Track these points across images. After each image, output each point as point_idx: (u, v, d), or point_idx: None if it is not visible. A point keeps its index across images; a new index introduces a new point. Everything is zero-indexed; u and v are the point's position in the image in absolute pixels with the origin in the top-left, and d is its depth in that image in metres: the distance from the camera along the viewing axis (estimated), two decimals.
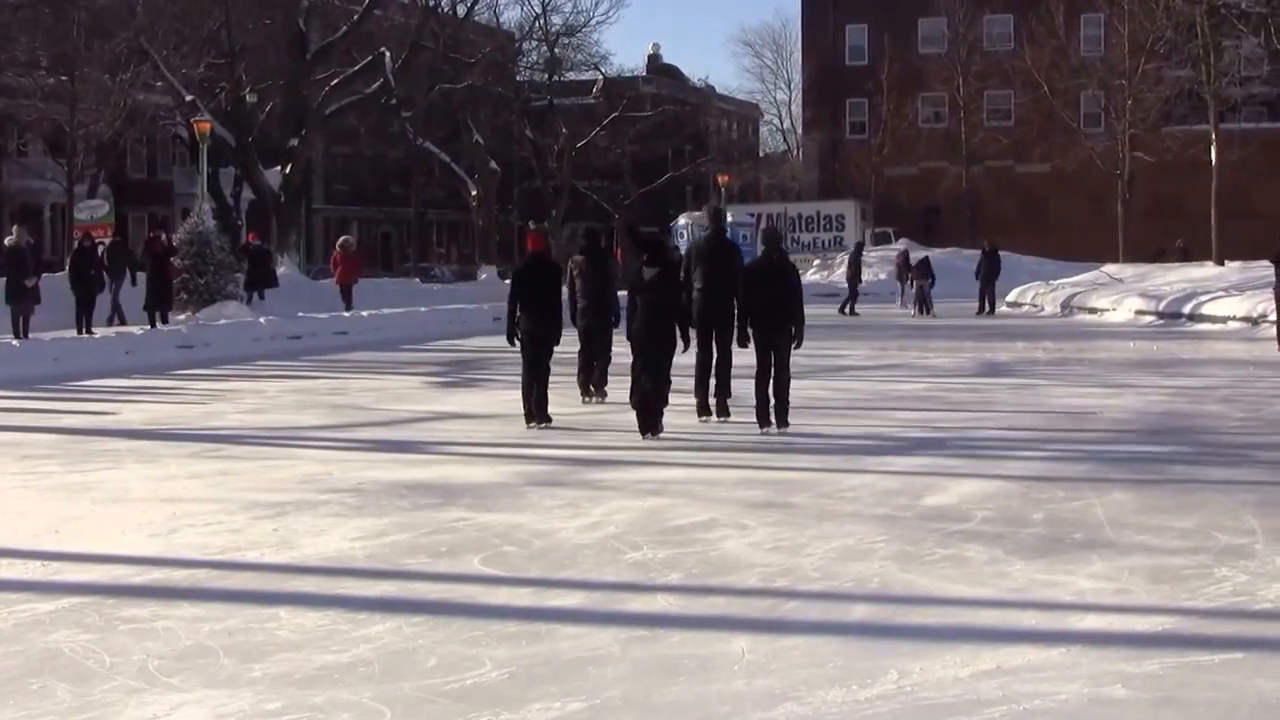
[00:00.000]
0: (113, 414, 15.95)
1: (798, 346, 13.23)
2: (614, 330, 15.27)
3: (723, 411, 13.95)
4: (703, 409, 13.96)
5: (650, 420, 12.81)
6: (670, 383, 12.97)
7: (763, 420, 13.08)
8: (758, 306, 13.04)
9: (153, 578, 7.57)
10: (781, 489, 10.02)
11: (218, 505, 9.61)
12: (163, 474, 11.10)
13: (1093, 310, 35.57)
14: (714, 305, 13.71)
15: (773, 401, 13.06)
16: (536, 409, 13.70)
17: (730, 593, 7.14)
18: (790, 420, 13.07)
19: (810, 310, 14.90)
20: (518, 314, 13.66)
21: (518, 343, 13.79)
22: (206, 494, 10.11)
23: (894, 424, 13.85)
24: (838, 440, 12.69)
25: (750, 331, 13.11)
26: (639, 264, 13.36)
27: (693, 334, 13.53)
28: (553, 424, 13.62)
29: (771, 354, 13.02)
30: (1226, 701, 5.35)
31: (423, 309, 33.46)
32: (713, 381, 13.97)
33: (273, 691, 5.56)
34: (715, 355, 13.84)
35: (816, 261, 56.46)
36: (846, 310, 36.76)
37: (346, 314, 30.48)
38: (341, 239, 37.12)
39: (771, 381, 13.04)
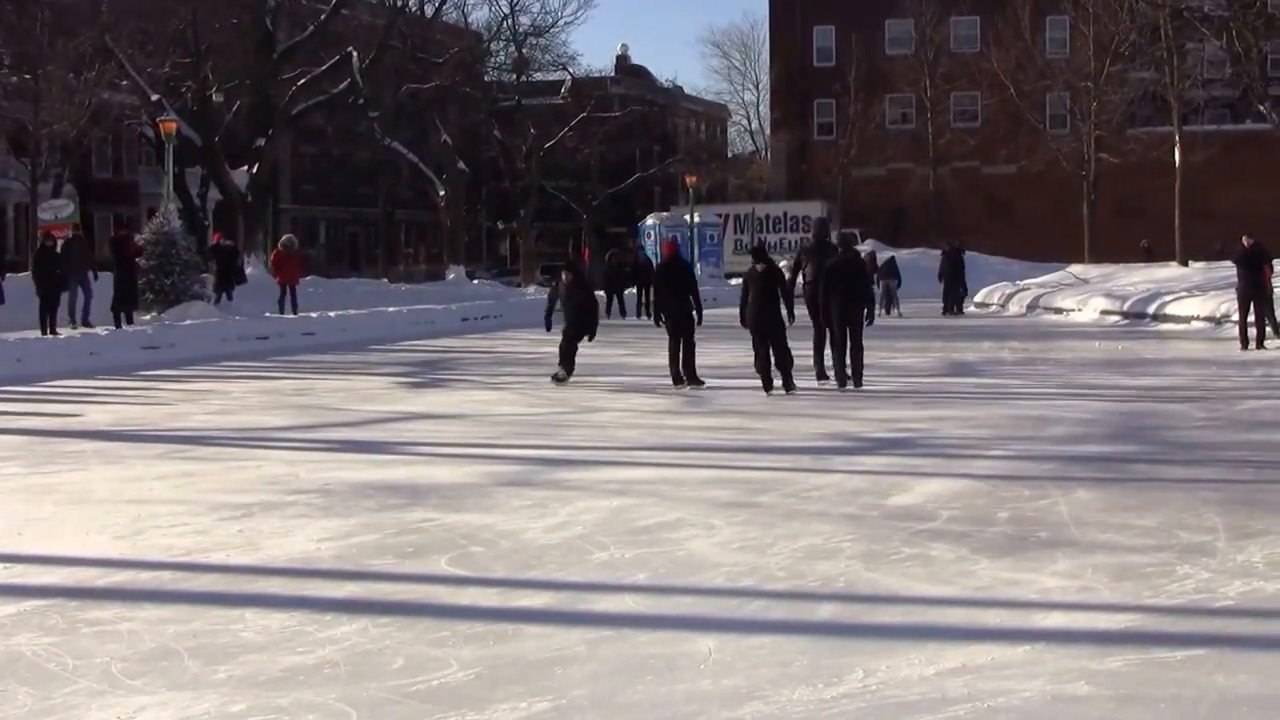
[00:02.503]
0: (77, 415, 15.86)
1: (870, 324, 16.86)
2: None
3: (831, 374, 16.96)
4: (821, 375, 17.14)
5: (784, 379, 16.18)
6: (791, 351, 16.24)
7: (840, 380, 16.58)
8: (838, 293, 16.43)
9: (117, 579, 7.53)
10: (748, 488, 10.04)
11: (183, 507, 9.57)
12: (127, 475, 11.05)
13: (1059, 310, 35.76)
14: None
15: (849, 366, 16.57)
16: (685, 373, 16.93)
17: (697, 592, 7.16)
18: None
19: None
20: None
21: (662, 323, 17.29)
22: (172, 495, 10.06)
23: (861, 423, 13.90)
24: (804, 440, 12.72)
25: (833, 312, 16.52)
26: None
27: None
28: (704, 385, 16.93)
29: (848, 329, 16.47)
30: (1188, 698, 5.39)
31: (390, 309, 33.36)
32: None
33: (238, 693, 5.53)
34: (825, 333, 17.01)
35: (784, 262, 56.48)
36: (955, 309, 36.86)
37: (291, 315, 30.20)
38: (283, 238, 36.59)
39: (849, 350, 16.51)
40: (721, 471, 10.98)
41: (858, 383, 16.59)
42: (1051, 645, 6.08)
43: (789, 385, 16.16)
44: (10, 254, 45.18)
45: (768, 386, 16.19)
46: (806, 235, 61.10)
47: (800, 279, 17.76)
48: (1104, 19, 48.85)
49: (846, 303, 16.45)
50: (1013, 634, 6.27)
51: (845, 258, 16.95)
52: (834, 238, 19.49)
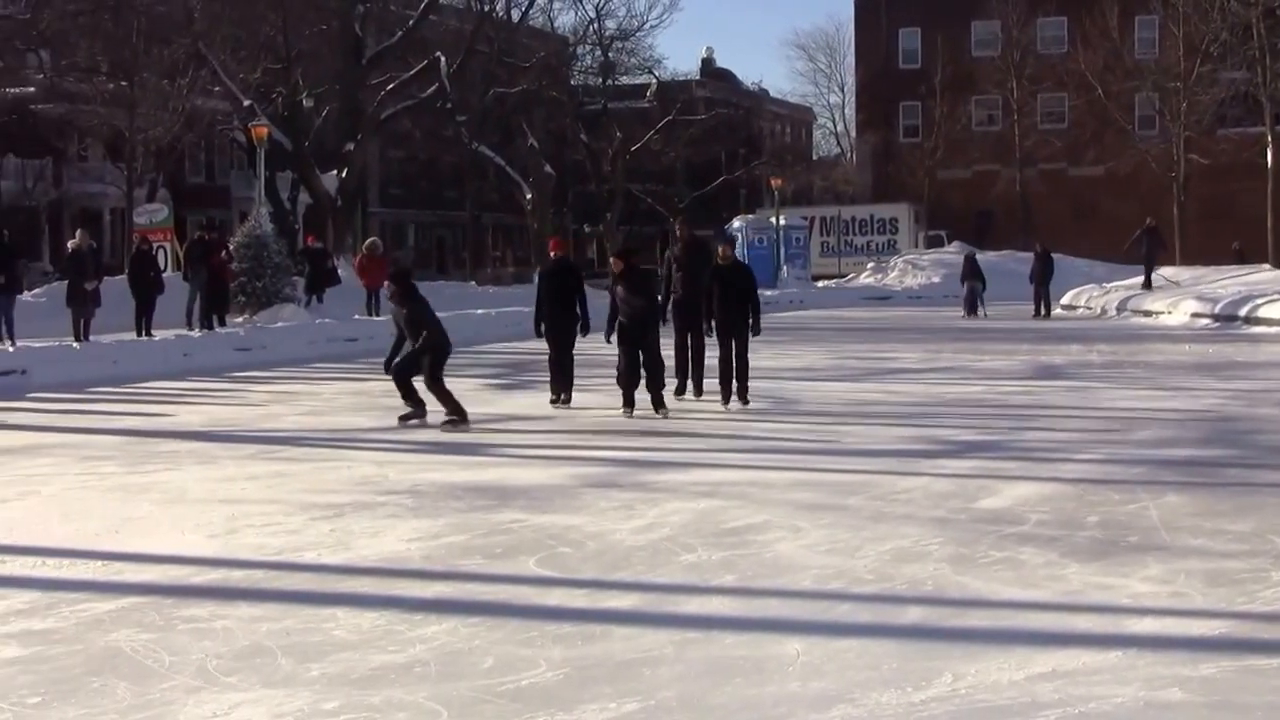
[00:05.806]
0: (171, 416, 16.12)
1: (756, 334, 15.42)
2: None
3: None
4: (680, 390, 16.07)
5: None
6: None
7: (725, 397, 15.27)
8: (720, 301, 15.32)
9: (211, 578, 7.66)
10: (835, 491, 10.01)
11: (275, 506, 9.71)
12: (221, 475, 11.22)
13: (1147, 313, 35.26)
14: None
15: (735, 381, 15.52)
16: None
17: (784, 594, 7.15)
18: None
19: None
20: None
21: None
22: (264, 495, 10.22)
23: (948, 426, 13.80)
24: (891, 442, 12.65)
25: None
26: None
27: None
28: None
29: (732, 340, 15.17)
30: None
31: (478, 312, 33.55)
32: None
33: (330, 691, 5.62)
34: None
35: (870, 265, 56.27)
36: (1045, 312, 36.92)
37: (378, 318, 30.43)
38: (368, 241, 36.87)
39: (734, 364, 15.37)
40: (808, 474, 10.95)
41: (743, 399, 15.26)
42: (1144, 651, 6.01)
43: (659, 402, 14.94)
44: (107, 257, 46.00)
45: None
46: (893, 238, 61.24)
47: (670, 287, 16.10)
48: (1194, 19, 48.12)
49: (728, 312, 15.19)
50: (1104, 639, 6.21)
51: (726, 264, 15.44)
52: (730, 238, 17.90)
